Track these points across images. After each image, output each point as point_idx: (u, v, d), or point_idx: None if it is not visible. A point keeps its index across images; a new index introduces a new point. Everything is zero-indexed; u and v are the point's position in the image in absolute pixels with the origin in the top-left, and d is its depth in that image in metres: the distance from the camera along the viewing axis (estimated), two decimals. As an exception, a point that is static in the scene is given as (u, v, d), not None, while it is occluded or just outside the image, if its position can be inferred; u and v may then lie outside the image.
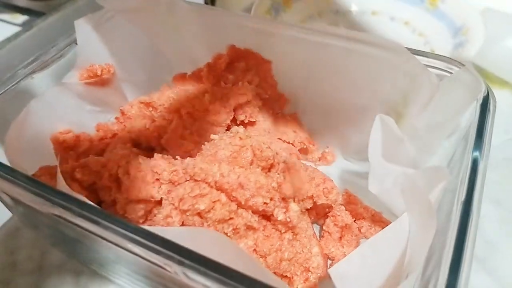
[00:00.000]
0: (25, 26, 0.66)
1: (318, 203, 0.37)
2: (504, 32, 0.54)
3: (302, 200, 0.36)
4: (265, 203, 0.32)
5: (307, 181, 0.36)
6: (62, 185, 0.30)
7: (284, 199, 0.34)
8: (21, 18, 0.69)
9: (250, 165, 0.34)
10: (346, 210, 0.39)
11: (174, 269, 0.22)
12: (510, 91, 0.55)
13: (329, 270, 0.27)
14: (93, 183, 0.35)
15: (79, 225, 0.25)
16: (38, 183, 0.27)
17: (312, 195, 0.36)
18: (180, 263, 0.22)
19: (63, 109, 0.40)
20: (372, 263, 0.27)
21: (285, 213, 0.34)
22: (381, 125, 0.33)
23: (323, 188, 0.37)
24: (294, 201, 0.35)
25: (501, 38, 0.54)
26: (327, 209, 0.39)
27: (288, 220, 0.34)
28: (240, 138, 0.35)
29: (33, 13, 0.69)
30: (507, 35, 0.54)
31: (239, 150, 0.34)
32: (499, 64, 0.54)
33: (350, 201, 0.41)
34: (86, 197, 0.27)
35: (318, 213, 0.40)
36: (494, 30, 0.54)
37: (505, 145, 0.49)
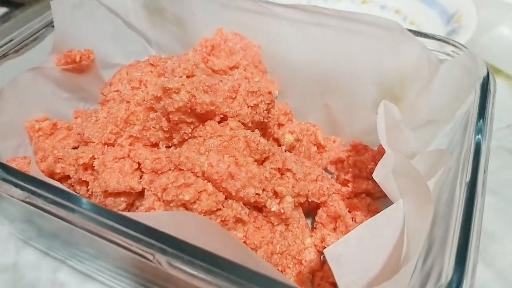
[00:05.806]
0: (3, 17, 0.64)
1: (310, 200, 0.35)
2: (497, 19, 0.53)
3: (297, 196, 0.34)
4: (257, 194, 0.30)
5: (302, 178, 0.34)
6: (35, 171, 0.28)
7: (276, 193, 0.32)
8: (1, 10, 0.68)
9: (242, 155, 0.32)
10: (352, 165, 0.38)
11: (156, 258, 0.20)
12: (504, 79, 0.54)
13: (324, 251, 0.25)
14: (67, 177, 0.33)
15: (53, 213, 0.23)
16: (9, 168, 0.25)
17: (307, 194, 0.35)
18: (163, 251, 0.20)
19: (38, 95, 0.38)
20: (369, 246, 0.26)
21: (279, 203, 0.32)
22: (385, 111, 0.31)
23: (319, 187, 0.35)
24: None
25: (493, 25, 0.53)
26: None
27: (282, 211, 0.32)
28: (231, 129, 0.33)
29: (13, 5, 0.68)
30: (499, 22, 0.53)
31: (230, 140, 0.32)
32: (491, 52, 0.54)
33: (358, 151, 0.40)
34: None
35: (310, 203, 0.38)
36: (487, 18, 0.53)
37: (499, 134, 0.49)
